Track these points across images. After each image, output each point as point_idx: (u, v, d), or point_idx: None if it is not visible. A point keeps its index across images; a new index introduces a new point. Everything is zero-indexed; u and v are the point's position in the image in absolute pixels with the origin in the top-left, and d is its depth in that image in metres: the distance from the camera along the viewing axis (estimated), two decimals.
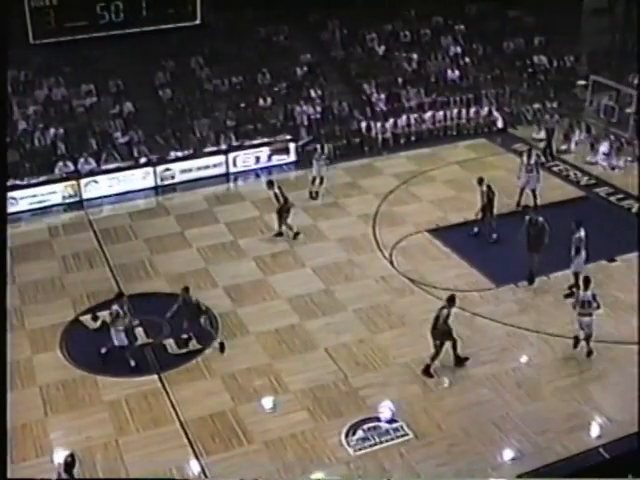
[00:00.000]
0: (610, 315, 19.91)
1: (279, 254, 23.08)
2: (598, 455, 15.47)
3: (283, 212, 23.86)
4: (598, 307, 18.13)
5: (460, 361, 18.21)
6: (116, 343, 18.04)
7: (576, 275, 20.34)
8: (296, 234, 23.99)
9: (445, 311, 17.67)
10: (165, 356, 18.57)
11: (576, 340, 18.43)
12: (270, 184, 24.05)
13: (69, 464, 13.70)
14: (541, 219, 21.17)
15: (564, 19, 36.82)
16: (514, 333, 19.24)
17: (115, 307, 17.98)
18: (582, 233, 20.31)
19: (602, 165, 28.85)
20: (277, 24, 34.69)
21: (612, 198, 26.25)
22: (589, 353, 18.39)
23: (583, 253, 20.34)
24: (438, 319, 17.69)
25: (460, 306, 20.01)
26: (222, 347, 18.80)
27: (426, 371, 17.95)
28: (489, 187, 23.36)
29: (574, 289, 19.85)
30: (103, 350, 18.33)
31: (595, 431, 16.30)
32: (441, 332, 17.76)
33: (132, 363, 18.12)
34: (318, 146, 27.83)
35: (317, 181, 26.78)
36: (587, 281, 18.38)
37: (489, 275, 21.62)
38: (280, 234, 24.06)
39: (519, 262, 21.76)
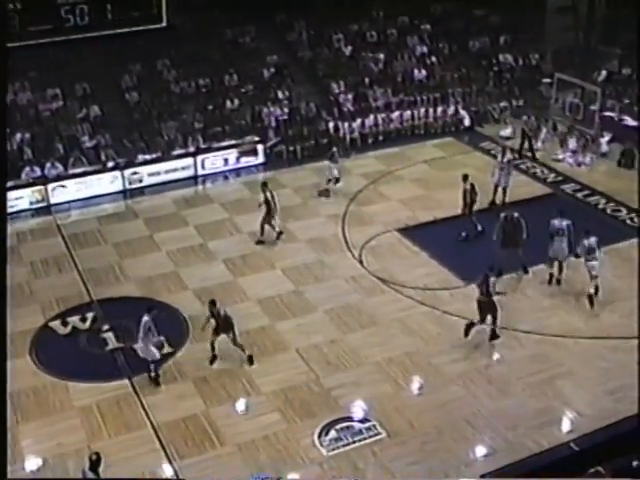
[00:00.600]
0: (578, 310, 20.15)
1: (249, 256, 23.06)
2: (569, 449, 15.63)
3: (268, 216, 23.59)
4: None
5: (494, 336, 18.89)
6: (148, 358, 17.64)
7: (551, 260, 21.11)
8: (279, 233, 23.91)
9: (492, 279, 18.63)
10: (136, 360, 18.49)
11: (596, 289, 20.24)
12: (264, 185, 23.78)
13: (94, 462, 13.57)
14: (516, 214, 21.47)
15: (529, 18, 37.17)
16: (484, 330, 19.33)
17: (146, 319, 17.37)
18: (564, 223, 20.93)
19: (568, 162, 29.10)
20: (243, 25, 34.66)
21: (579, 194, 26.45)
22: (596, 290, 20.24)
23: (560, 242, 20.84)
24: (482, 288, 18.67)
25: (430, 304, 20.25)
26: (251, 360, 18.43)
27: (467, 330, 18.85)
28: (472, 185, 23.53)
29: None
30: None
31: (566, 426, 16.42)
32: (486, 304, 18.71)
33: (152, 375, 17.78)
34: (334, 149, 27.46)
35: (332, 182, 26.74)
36: (587, 232, 20.26)
37: (458, 273, 21.72)
38: (262, 242, 23.80)
39: (488, 259, 21.89)
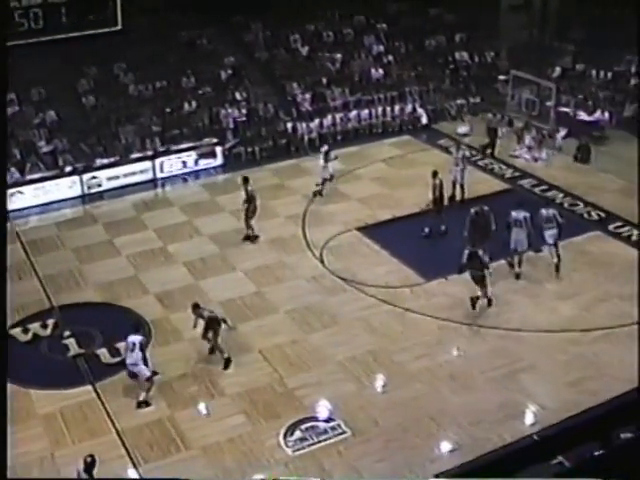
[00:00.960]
0: (538, 304, 20.37)
1: (209, 258, 23.01)
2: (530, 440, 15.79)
3: (250, 212, 23.65)
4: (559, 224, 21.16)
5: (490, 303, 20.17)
6: (142, 374, 17.23)
7: (515, 252, 21.46)
8: (255, 237, 23.91)
9: (481, 252, 19.56)
10: (99, 366, 18.40)
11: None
12: (245, 180, 23.77)
13: (89, 464, 13.61)
14: (486, 208, 21.82)
15: (483, 16, 37.48)
16: (446, 326, 19.49)
17: (139, 337, 17.27)
18: (522, 214, 21.31)
19: (525, 158, 29.36)
20: (200, 27, 34.53)
21: (536, 190, 26.69)
22: (558, 259, 21.39)
23: (520, 231, 21.19)
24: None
25: (391, 302, 20.33)
26: (227, 364, 18.38)
27: (474, 304, 19.87)
28: (441, 181, 23.72)
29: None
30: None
31: (529, 419, 16.60)
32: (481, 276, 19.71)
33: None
34: (326, 147, 27.33)
35: (327, 181, 26.62)
36: (548, 201, 22.30)
37: (419, 270, 21.84)
38: (249, 237, 23.91)
39: (448, 256, 22.07)
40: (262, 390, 17.49)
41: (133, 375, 17.38)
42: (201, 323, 18.35)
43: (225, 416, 16.82)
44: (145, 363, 17.26)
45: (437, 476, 7.98)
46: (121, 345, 18.64)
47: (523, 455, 6.00)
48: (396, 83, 34.38)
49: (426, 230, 23.71)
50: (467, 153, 26.88)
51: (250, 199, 23.48)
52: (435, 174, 23.69)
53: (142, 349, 17.21)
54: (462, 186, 25.35)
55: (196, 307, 18.38)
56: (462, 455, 15.39)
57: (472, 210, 21.98)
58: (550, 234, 21.39)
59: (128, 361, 17.32)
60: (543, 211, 21.60)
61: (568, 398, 16.71)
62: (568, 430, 6.59)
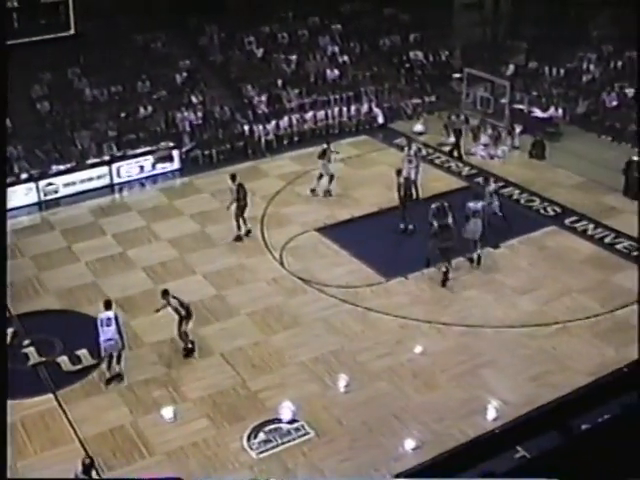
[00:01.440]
0: (498, 300, 20.57)
1: (169, 262, 22.88)
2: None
3: (239, 210, 23.75)
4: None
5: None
6: (118, 347, 17.85)
7: (475, 243, 21.74)
8: (248, 232, 24.05)
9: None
10: (60, 374, 18.25)
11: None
12: (233, 178, 23.85)
13: (87, 466, 13.61)
14: (447, 204, 21.99)
15: (437, 15, 37.70)
16: (407, 325, 19.60)
17: (110, 314, 17.79)
18: (475, 204, 21.81)
19: (481, 155, 29.59)
20: (154, 31, 34.38)
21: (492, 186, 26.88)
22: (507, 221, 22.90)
23: (477, 222, 21.54)
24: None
25: (352, 302, 20.39)
26: (189, 352, 18.77)
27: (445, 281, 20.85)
28: (406, 179, 23.87)
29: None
30: None
31: (491, 414, 16.76)
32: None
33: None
34: (327, 145, 27.05)
35: (326, 179, 26.44)
36: (487, 179, 23.59)
37: (379, 270, 21.92)
38: (240, 238, 23.98)
39: (408, 255, 22.28)
40: (225, 393, 17.46)
41: (109, 350, 17.73)
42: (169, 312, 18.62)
43: (188, 420, 16.77)
44: (121, 336, 17.67)
45: (398, 476, 8.02)
46: (82, 352, 18.55)
47: (483, 448, 6.06)
48: (352, 83, 34.48)
49: (401, 226, 23.85)
50: (422, 151, 27.04)
51: (240, 197, 23.56)
52: (399, 172, 23.89)
53: (117, 322, 17.63)
54: (415, 184, 25.44)
55: (165, 294, 18.54)
56: (426, 452, 15.46)
57: (433, 206, 22.13)
58: (471, 228, 21.75)
59: (103, 337, 17.58)
60: (471, 204, 21.91)
61: (529, 392, 16.88)
62: (528, 422, 6.67)
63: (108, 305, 18.05)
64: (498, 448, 5.73)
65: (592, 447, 5.70)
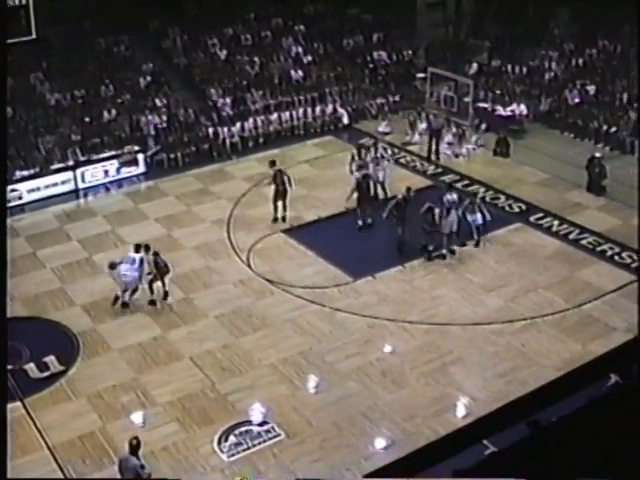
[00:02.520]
0: (465, 298, 20.67)
1: None
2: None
3: (279, 196, 24.29)
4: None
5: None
6: (134, 282, 20.44)
7: (449, 236, 22.04)
8: (283, 218, 24.72)
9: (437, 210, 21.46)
10: (27, 381, 18.09)
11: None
12: (272, 163, 24.63)
13: (135, 447, 13.66)
14: (412, 194, 22.59)
15: (400, 15, 37.84)
16: (375, 324, 19.65)
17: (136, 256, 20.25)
18: (452, 196, 22.29)
19: (446, 154, 29.71)
20: (117, 34, 34.20)
21: (458, 185, 26.97)
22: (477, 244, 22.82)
23: (453, 215, 21.85)
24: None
25: (320, 302, 20.42)
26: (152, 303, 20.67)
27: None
28: (364, 176, 24.05)
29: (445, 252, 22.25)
30: None
31: (461, 411, 16.85)
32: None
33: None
34: (379, 147, 27.03)
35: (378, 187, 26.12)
36: (450, 185, 23.61)
37: (346, 270, 21.96)
38: (277, 219, 24.74)
39: (374, 255, 22.35)
40: (194, 397, 17.40)
41: (125, 285, 20.28)
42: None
43: (158, 425, 16.68)
44: (140, 278, 20.16)
45: (367, 476, 8.06)
46: (49, 359, 18.40)
47: (450, 443, 6.11)
48: (316, 84, 34.50)
49: (359, 223, 23.99)
50: (388, 152, 27.15)
51: (277, 182, 24.23)
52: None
53: (141, 265, 20.03)
54: (383, 185, 25.54)
55: (147, 248, 20.55)
56: (397, 451, 15.52)
57: (399, 195, 22.67)
58: (451, 220, 22.21)
59: (123, 273, 20.08)
60: (448, 196, 22.44)
61: (498, 388, 17.02)
62: (495, 415, 6.74)
63: (137, 248, 20.41)
64: (465, 444, 5.77)
65: (558, 439, 5.76)
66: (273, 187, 24.46)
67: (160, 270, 20.60)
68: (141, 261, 20.17)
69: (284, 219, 24.69)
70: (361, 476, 14.73)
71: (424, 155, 29.66)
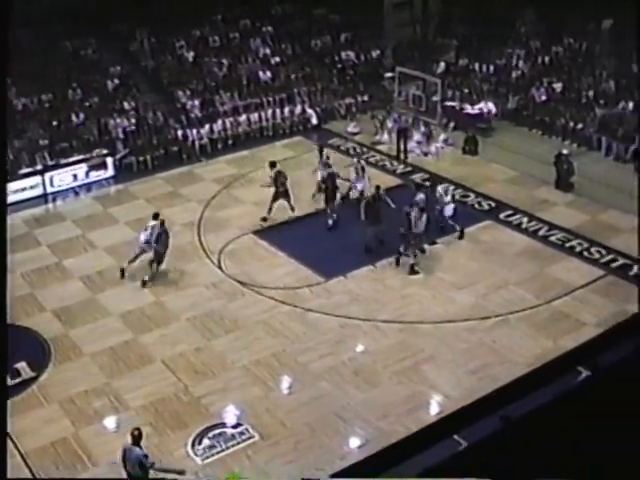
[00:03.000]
0: (436, 296, 20.75)
1: (106, 271, 22.62)
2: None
3: (279, 197, 24.43)
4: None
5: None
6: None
7: (420, 236, 21.84)
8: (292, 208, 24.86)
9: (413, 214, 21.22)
10: None
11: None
12: (272, 165, 24.76)
13: (137, 437, 13.73)
14: (382, 192, 22.74)
15: (367, 15, 37.93)
16: (347, 324, 19.68)
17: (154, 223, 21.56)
18: (422, 195, 22.38)
19: (415, 152, 29.81)
20: (83, 37, 34.03)
21: (427, 183, 27.06)
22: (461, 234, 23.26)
23: (424, 216, 21.64)
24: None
25: (292, 303, 20.42)
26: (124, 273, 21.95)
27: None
28: (330, 175, 24.28)
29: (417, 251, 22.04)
30: None
31: (434, 409, 16.93)
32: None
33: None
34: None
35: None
36: (418, 186, 23.86)
37: (317, 270, 21.98)
38: (266, 219, 24.76)
39: (345, 254, 22.38)
40: (167, 400, 17.34)
41: (143, 249, 21.70)
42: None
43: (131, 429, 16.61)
44: (156, 243, 21.37)
45: (335, 475, 8.06)
46: (21, 365, 18.27)
47: (420, 438, 6.16)
48: (284, 85, 34.54)
49: (330, 222, 24.13)
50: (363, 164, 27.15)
51: (277, 184, 24.35)
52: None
53: (157, 232, 21.36)
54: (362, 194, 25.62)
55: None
56: (371, 450, 15.45)
57: (369, 194, 22.94)
58: (425, 220, 22.13)
59: (141, 239, 21.62)
60: (422, 195, 22.66)
61: (470, 385, 17.07)
62: (465, 410, 6.78)
63: (156, 216, 21.86)
64: (435, 439, 5.82)
65: (529, 433, 5.83)
66: (273, 188, 24.55)
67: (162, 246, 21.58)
68: (155, 227, 21.60)
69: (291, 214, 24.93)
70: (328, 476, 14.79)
71: (393, 154, 29.74)
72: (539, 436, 5.74)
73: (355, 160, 26.41)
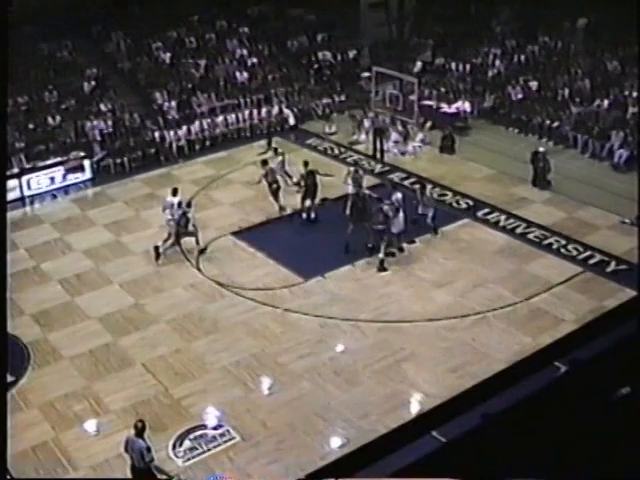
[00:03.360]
0: (415, 295, 20.81)
1: (84, 274, 22.56)
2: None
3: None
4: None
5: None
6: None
7: (398, 235, 22.10)
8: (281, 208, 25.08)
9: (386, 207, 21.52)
10: None
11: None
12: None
13: (140, 429, 13.99)
14: (367, 191, 23.15)
15: (343, 15, 38.03)
16: (326, 324, 19.70)
17: (174, 200, 22.77)
18: (399, 195, 22.50)
19: (393, 152, 29.87)
20: (59, 39, 33.88)
21: (405, 182, 27.16)
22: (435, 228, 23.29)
23: (401, 213, 21.88)
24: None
25: (271, 304, 20.42)
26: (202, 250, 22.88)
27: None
28: (309, 173, 24.48)
29: (395, 250, 22.33)
30: None
31: (414, 407, 16.93)
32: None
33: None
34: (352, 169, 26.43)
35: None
36: (395, 186, 23.86)
37: (296, 270, 21.99)
38: (283, 208, 25.13)
39: (323, 254, 22.40)
40: (148, 403, 17.29)
41: (170, 227, 22.55)
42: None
43: (112, 432, 16.51)
44: (178, 222, 22.35)
45: (310, 475, 8.09)
46: None
47: (398, 436, 6.18)
48: (261, 85, 34.53)
49: (303, 216, 24.47)
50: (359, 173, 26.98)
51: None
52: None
53: (180, 207, 22.39)
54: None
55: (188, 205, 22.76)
56: (352, 449, 15.54)
57: (352, 192, 23.21)
58: (401, 219, 22.44)
59: (167, 216, 22.56)
60: (398, 194, 22.82)
61: (450, 383, 17.08)
62: (443, 407, 6.80)
63: (175, 192, 22.76)
64: (413, 436, 5.84)
65: (506, 428, 5.87)
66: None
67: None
68: (179, 204, 22.54)
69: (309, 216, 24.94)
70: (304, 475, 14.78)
71: (371, 154, 29.77)
72: (517, 432, 5.78)
73: (352, 169, 25.89)
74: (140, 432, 13.97)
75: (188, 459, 15.69)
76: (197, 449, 15.94)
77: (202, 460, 15.66)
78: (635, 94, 30.45)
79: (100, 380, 18.11)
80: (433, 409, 7.05)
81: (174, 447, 15.97)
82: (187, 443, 16.10)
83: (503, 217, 24.60)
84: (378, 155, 29.66)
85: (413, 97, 31.55)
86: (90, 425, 16.89)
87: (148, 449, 13.90)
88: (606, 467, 5.66)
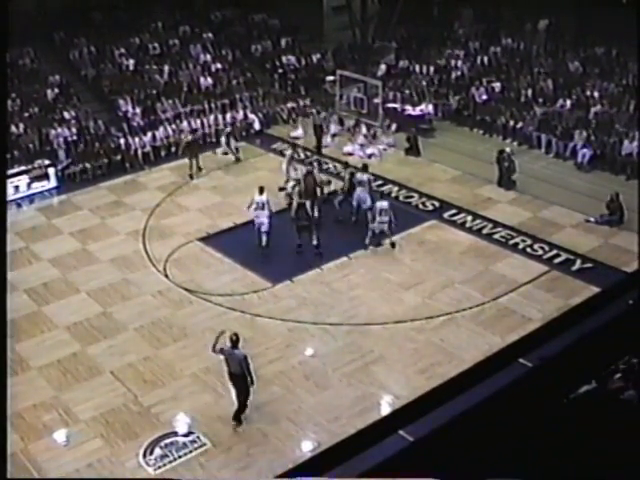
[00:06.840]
0: (383, 297, 20.88)
1: (51, 283, 22.38)
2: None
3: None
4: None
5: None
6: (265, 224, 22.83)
7: (380, 234, 23.01)
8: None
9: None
10: None
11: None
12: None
13: (235, 342, 15.97)
14: (316, 171, 24.23)
15: (307, 19, 38.10)
16: (295, 328, 19.71)
17: (262, 199, 22.77)
18: (367, 176, 24.12)
19: (359, 155, 29.90)
20: (21, 46, 33.59)
21: (373, 185, 27.15)
22: (393, 244, 23.17)
23: (384, 213, 22.59)
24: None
25: (240, 309, 20.40)
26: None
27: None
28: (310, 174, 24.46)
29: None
30: None
31: (384, 409, 16.98)
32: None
33: None
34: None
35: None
36: (382, 194, 24.39)
37: (264, 275, 22.00)
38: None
39: (291, 258, 22.42)
40: (117, 411, 17.20)
41: (260, 227, 22.71)
42: None
43: (82, 442, 16.44)
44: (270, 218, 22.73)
45: (279, 476, 8.12)
46: None
47: (366, 436, 6.21)
48: (226, 91, 34.45)
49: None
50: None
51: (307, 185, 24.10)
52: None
53: (268, 205, 22.71)
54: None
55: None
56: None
57: (304, 169, 24.20)
58: (360, 197, 23.74)
59: (256, 220, 22.72)
60: (359, 175, 24.10)
61: (420, 384, 17.15)
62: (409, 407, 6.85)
63: (262, 190, 22.72)
64: (381, 436, 5.88)
65: (472, 426, 5.92)
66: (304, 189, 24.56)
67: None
68: (268, 202, 22.68)
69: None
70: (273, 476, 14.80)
71: (338, 157, 29.75)
72: (483, 429, 5.83)
73: (290, 152, 26.68)
74: (235, 343, 15.87)
75: (159, 467, 15.64)
76: (168, 456, 15.88)
77: (173, 468, 15.60)
78: (597, 94, 30.82)
79: (69, 390, 17.98)
80: (400, 408, 7.08)
81: (145, 455, 15.91)
82: (158, 451, 16.03)
83: (469, 218, 24.74)
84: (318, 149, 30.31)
85: (378, 100, 31.77)
86: (60, 435, 16.76)
87: (245, 357, 15.89)
88: (572, 462, 5.72)
